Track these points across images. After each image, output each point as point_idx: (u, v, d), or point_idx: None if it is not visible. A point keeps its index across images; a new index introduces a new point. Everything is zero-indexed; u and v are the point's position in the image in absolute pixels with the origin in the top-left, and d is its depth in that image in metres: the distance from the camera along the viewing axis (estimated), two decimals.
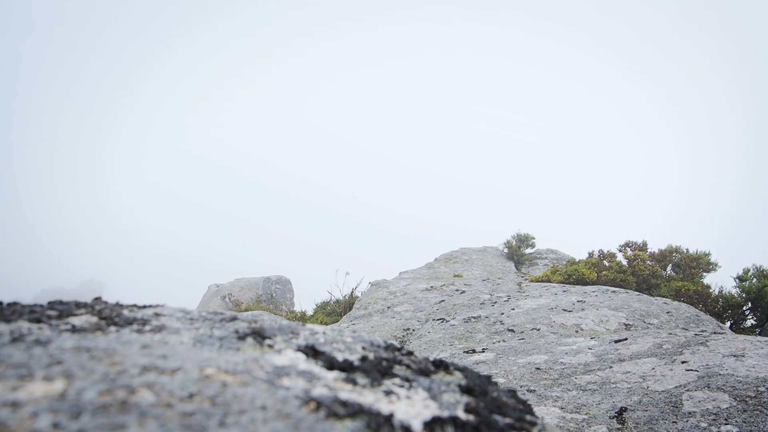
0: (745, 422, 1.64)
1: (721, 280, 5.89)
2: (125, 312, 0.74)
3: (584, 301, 4.43)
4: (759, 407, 1.70)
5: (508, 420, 0.56)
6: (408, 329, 4.40)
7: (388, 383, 0.60)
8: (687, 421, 1.71)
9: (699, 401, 1.82)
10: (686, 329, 3.64)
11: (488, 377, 0.70)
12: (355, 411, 0.48)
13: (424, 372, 0.66)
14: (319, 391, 0.52)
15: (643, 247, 7.29)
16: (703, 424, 1.67)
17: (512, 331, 3.79)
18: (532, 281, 6.99)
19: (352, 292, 8.16)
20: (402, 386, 0.59)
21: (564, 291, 5.19)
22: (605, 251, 7.35)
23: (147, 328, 0.67)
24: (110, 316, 0.70)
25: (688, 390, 1.93)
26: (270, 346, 0.66)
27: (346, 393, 0.53)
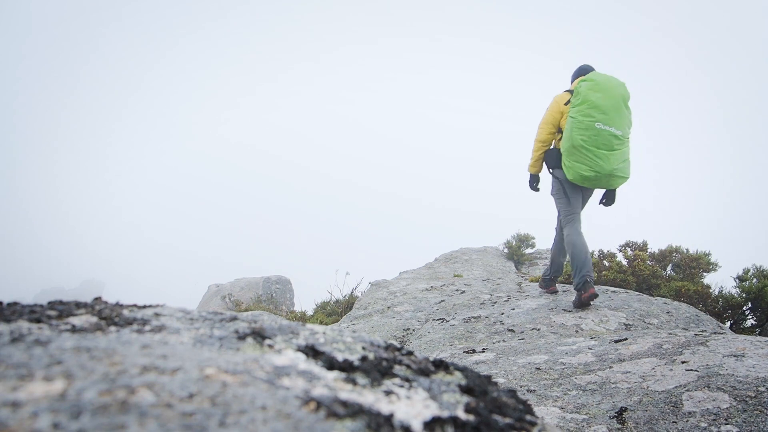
0: (745, 422, 1.64)
1: (721, 280, 5.88)
2: (125, 312, 0.74)
3: None
4: (759, 407, 1.70)
5: (508, 420, 0.56)
6: (408, 329, 4.40)
7: (388, 383, 0.59)
8: (687, 421, 1.71)
9: (699, 401, 1.82)
10: (686, 329, 3.64)
11: (488, 377, 0.70)
12: (355, 411, 0.48)
13: (424, 372, 0.66)
14: (319, 391, 0.52)
15: (643, 247, 7.29)
16: (703, 424, 1.67)
17: (512, 331, 3.79)
18: (532, 281, 6.99)
19: (352, 292, 8.15)
20: (402, 386, 0.59)
21: (564, 291, 5.19)
22: (605, 251, 7.35)
23: (147, 328, 0.66)
24: (110, 316, 0.70)
25: (688, 390, 1.93)
26: (270, 346, 0.66)
27: (346, 393, 0.53)
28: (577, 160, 3.91)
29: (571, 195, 4.26)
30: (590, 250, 4.34)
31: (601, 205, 4.39)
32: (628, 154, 3.96)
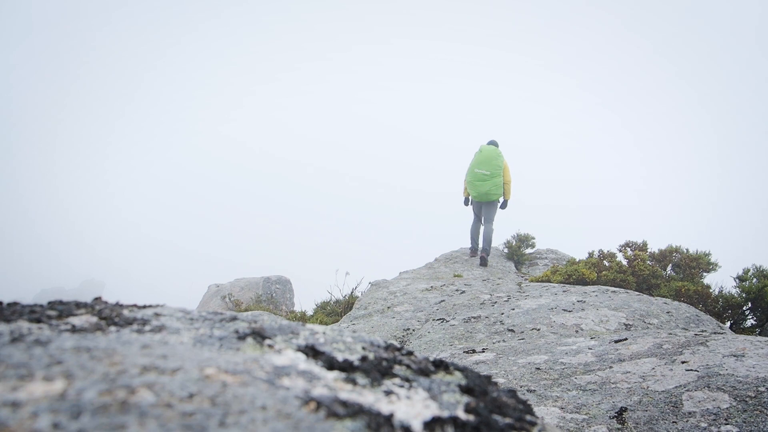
0: (745, 422, 1.64)
1: (721, 280, 5.88)
2: (125, 312, 0.74)
3: (584, 301, 4.43)
4: (759, 407, 1.70)
5: (508, 420, 0.56)
6: (408, 329, 4.40)
7: (388, 383, 0.59)
8: (687, 421, 1.71)
9: (699, 401, 1.82)
10: (686, 329, 3.64)
11: (488, 377, 0.70)
12: (355, 411, 0.48)
13: (424, 372, 0.66)
14: (319, 391, 0.52)
15: (643, 247, 7.28)
16: (703, 424, 1.67)
17: (512, 331, 3.79)
18: (532, 281, 6.99)
19: (352, 292, 8.14)
20: (402, 386, 0.59)
21: (564, 291, 5.19)
22: (605, 251, 7.35)
23: (147, 328, 0.67)
24: (110, 316, 0.70)
25: (688, 390, 1.93)
26: (270, 346, 0.66)
27: (346, 393, 0.53)
28: (470, 188, 8.09)
29: (473, 205, 8.49)
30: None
31: (500, 209, 8.28)
32: (500, 182, 7.89)
